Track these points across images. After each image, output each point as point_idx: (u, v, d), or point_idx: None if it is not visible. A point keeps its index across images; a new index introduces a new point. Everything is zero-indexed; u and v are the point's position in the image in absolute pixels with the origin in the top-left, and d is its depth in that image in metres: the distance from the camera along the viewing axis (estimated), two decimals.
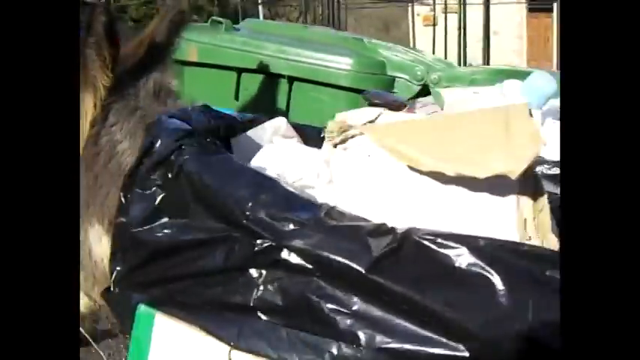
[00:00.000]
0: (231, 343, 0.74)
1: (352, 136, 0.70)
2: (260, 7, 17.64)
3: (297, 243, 0.71)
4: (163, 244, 0.80)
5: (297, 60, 2.77)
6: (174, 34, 1.36)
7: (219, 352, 0.75)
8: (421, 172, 0.67)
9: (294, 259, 0.72)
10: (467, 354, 0.66)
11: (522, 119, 0.63)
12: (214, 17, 3.02)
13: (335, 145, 0.71)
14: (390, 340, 0.69)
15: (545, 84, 1.44)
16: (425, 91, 2.67)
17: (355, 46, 2.92)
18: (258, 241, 0.72)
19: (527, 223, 0.71)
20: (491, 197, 0.70)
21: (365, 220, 0.69)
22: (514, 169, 0.59)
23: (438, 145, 0.67)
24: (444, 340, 0.67)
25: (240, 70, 2.86)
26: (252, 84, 2.90)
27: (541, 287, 0.67)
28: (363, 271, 0.66)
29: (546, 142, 0.86)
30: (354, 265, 0.66)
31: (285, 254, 0.72)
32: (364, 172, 0.71)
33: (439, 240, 0.67)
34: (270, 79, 2.84)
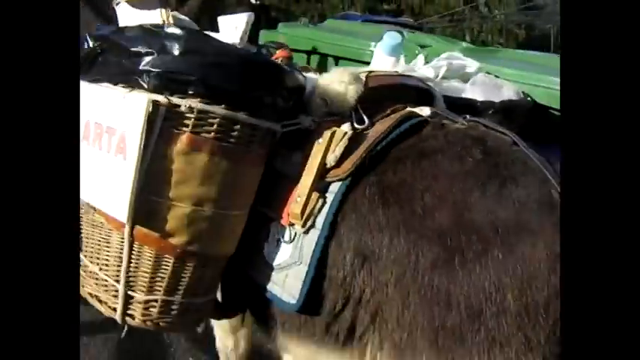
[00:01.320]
0: None
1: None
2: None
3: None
4: None
5: (341, 44, 3.86)
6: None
7: None
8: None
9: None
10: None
11: None
12: (302, 17, 4.24)
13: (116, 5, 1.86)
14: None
15: (391, 39, 2.17)
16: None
17: None
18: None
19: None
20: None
21: None
22: None
23: None
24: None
25: (308, 53, 4.04)
26: (315, 62, 4.06)
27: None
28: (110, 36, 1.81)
29: None
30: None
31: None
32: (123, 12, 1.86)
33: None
34: (326, 58, 3.98)
